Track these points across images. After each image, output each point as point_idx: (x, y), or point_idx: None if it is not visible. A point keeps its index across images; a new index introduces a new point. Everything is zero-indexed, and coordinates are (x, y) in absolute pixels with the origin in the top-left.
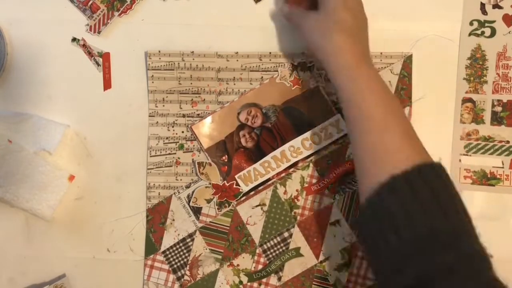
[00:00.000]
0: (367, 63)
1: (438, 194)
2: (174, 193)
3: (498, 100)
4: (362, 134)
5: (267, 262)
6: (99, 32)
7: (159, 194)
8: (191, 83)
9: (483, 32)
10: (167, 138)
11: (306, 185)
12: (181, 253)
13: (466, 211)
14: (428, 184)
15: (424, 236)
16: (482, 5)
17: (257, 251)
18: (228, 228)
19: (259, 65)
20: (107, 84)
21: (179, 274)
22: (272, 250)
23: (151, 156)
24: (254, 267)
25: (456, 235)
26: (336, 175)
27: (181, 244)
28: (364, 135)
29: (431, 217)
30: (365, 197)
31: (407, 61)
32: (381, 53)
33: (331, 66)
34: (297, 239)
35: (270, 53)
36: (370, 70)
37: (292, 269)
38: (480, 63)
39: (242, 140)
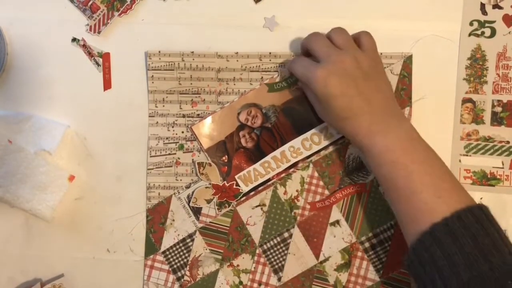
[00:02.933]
0: (384, 125)
1: (479, 239)
2: (174, 193)
3: (498, 101)
4: (393, 202)
5: (267, 262)
6: (99, 32)
7: (159, 194)
8: (191, 83)
9: (483, 33)
10: (167, 138)
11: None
12: (181, 253)
13: (510, 248)
14: (468, 230)
15: (469, 284)
16: (482, 5)
17: (257, 251)
18: (228, 228)
19: (259, 65)
20: (107, 84)
21: (179, 274)
22: (272, 251)
23: (151, 156)
24: (254, 268)
25: (501, 278)
26: (342, 196)
27: (181, 244)
28: (396, 205)
29: (475, 265)
30: (409, 243)
31: (407, 61)
32: (381, 53)
33: (358, 145)
34: (297, 239)
35: (270, 53)
36: (386, 136)
37: (292, 269)
38: (480, 63)
39: (242, 141)
